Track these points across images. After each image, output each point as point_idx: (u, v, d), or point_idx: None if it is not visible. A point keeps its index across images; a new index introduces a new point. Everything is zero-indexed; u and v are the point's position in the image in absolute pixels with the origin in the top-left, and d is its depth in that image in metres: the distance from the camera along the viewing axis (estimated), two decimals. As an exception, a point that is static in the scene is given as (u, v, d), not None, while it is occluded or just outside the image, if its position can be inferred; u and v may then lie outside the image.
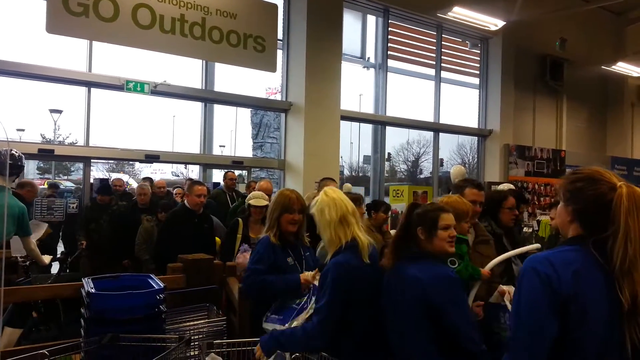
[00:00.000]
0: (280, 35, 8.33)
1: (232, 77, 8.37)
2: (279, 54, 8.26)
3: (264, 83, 9.43)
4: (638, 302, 1.50)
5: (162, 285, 2.49)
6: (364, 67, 9.98)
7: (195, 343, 2.51)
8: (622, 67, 12.08)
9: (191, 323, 2.86)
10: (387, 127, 9.95)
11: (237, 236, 4.14)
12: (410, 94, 10.79)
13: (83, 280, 2.55)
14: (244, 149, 10.08)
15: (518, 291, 1.64)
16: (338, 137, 8.72)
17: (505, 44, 11.00)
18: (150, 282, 2.60)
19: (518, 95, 11.40)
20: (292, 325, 2.47)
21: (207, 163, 8.10)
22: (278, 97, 8.92)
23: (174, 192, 7.12)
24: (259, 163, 9.30)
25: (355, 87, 9.87)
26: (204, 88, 7.94)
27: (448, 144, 11.43)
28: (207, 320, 2.90)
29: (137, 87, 6.90)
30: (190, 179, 7.41)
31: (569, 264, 1.57)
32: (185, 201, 4.77)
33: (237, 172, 7.80)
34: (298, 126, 8.40)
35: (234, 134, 11.94)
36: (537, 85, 11.90)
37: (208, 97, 7.97)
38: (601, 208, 1.57)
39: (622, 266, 1.51)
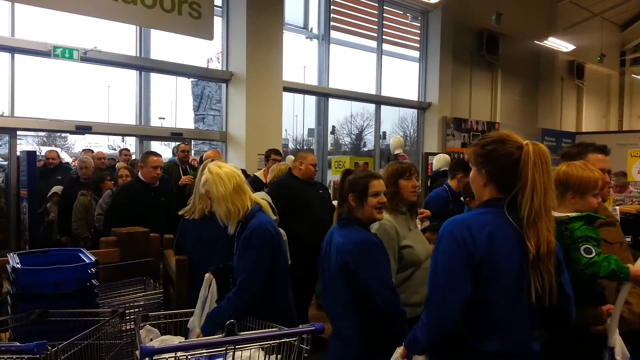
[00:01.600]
0: (218, 1, 8.07)
1: (171, 46, 8.06)
2: (218, 21, 8.01)
3: (206, 54, 9.15)
4: (541, 250, 1.62)
5: (93, 259, 2.42)
6: (307, 37, 9.89)
7: (131, 317, 2.48)
8: (553, 43, 12.62)
9: (127, 297, 2.82)
10: (330, 99, 9.97)
11: None
12: (353, 66, 10.84)
13: (8, 256, 2.43)
14: (186, 121, 9.80)
15: (435, 253, 1.75)
16: (281, 108, 8.65)
17: (444, 18, 11.21)
18: (81, 256, 2.52)
19: (456, 68, 11.70)
20: None
21: (144, 135, 7.81)
22: (219, 67, 8.70)
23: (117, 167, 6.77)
24: (199, 135, 9.10)
25: (299, 59, 9.79)
26: (138, 55, 7.60)
27: (390, 116, 11.63)
28: (144, 294, 2.86)
29: (66, 53, 6.49)
30: (147, 152, 7.19)
31: (483, 226, 1.68)
32: (140, 174, 4.39)
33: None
34: (240, 97, 8.25)
35: (175, 106, 11.60)
36: (474, 59, 12.27)
37: (143, 65, 7.63)
38: (511, 166, 1.68)
39: (528, 217, 1.63)
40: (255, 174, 5.50)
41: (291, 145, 11.40)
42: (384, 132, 11.39)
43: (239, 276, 2.40)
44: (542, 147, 1.70)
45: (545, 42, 12.45)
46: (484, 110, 12.60)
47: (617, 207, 4.42)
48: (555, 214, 1.88)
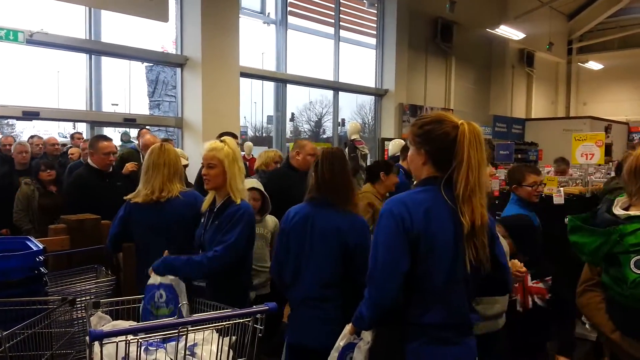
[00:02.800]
0: (172, -17, 7.88)
1: (123, 29, 7.81)
2: (172, 3, 7.82)
3: (160, 37, 8.91)
4: (476, 224, 1.72)
5: (41, 246, 2.36)
6: (265, 23, 9.80)
7: (83, 304, 2.44)
8: (504, 31, 12.96)
9: (79, 285, 2.77)
10: (288, 86, 9.94)
11: None
12: (311, 52, 10.83)
13: (-51, 246, 2.35)
14: (141, 107, 9.53)
15: (376, 232, 1.81)
16: (238, 94, 8.56)
17: (400, 5, 11.33)
18: (29, 244, 2.46)
19: (412, 56, 11.88)
20: None
21: (96, 121, 7.58)
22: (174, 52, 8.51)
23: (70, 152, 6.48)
24: (153, 121, 8.89)
25: (256, 44, 9.70)
26: (88, 38, 7.34)
27: (349, 104, 11.73)
28: (95, 281, 2.82)
29: (10, 35, 6.20)
30: (96, 138, 6.90)
31: (421, 204, 1.76)
32: (90, 160, 4.16)
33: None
34: (195, 82, 8.11)
35: (129, 92, 11.25)
36: (429, 47, 12.49)
37: (93, 49, 7.38)
38: (448, 145, 1.76)
39: (464, 193, 1.72)
40: None
41: (250, 133, 11.32)
42: (343, 119, 11.48)
43: (215, 246, 2.45)
44: (475, 126, 1.78)
45: (496, 30, 12.77)
46: (439, 97, 12.88)
47: (562, 189, 4.64)
48: (633, 212, 1.76)
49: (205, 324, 1.83)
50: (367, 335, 1.98)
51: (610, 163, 10.23)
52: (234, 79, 8.45)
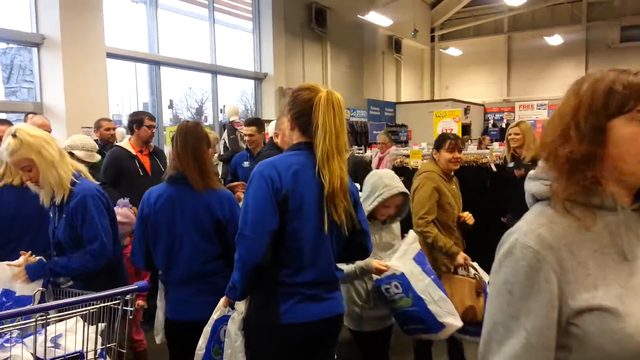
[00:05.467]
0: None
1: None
2: (23, -23, 7.05)
3: (14, 16, 7.96)
4: (334, 186, 1.85)
5: None
6: (132, 1, 9.22)
7: None
8: (374, 17, 13.56)
9: None
10: (165, 71, 9.50)
11: None
12: (187, 34, 10.44)
13: None
14: (-4, 94, 8.49)
15: (246, 193, 1.88)
16: (105, 77, 8.00)
17: (274, -11, 11.36)
18: None
19: (289, 40, 12.00)
20: None
21: None
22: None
23: None
24: (8, 107, 7.99)
25: (125, 23, 9.10)
26: None
27: (230, 89, 11.54)
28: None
29: None
30: None
31: (290, 166, 1.86)
32: None
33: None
34: (55, 64, 7.42)
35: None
36: (305, 32, 12.71)
37: None
38: (309, 109, 1.87)
39: (322, 156, 1.84)
40: (119, 144, 4.64)
41: (125, 121, 10.62)
42: (225, 105, 11.28)
43: (86, 243, 2.31)
44: (336, 95, 1.90)
45: (366, 16, 13.30)
46: (317, 81, 13.11)
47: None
48: None
49: (68, 311, 1.75)
50: (240, 306, 2.03)
51: (470, 140, 11.30)
52: (100, 61, 7.87)
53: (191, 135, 2.36)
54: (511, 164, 4.51)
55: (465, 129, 15.05)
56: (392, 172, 2.85)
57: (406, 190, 2.69)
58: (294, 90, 1.97)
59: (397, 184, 2.65)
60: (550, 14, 17.54)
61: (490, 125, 17.44)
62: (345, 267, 2.32)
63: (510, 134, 4.53)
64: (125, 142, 4.41)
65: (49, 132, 5.31)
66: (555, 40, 16.77)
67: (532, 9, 17.03)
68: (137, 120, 4.27)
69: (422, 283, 2.55)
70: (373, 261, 2.48)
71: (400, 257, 2.59)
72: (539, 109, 17.79)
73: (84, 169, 2.47)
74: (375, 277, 2.57)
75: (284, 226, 1.84)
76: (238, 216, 2.31)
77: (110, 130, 5.24)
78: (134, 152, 4.25)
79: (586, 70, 17.34)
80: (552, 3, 16.85)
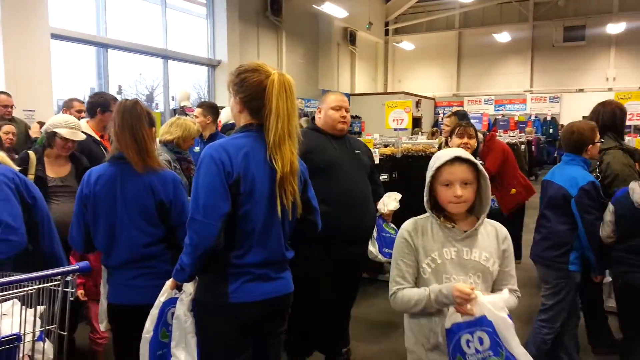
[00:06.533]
0: None
1: None
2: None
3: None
4: (285, 171, 1.85)
5: None
6: (78, -20, 8.83)
7: None
8: (329, 8, 13.58)
9: None
10: (112, 53, 9.16)
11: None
12: (137, 17, 10.10)
13: None
14: None
15: (197, 177, 1.84)
16: (49, 59, 7.63)
17: (229, -25, 11.17)
18: None
19: (243, 28, 11.85)
20: None
21: None
22: None
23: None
24: (-60, 87, 7.51)
25: (72, 3, 8.69)
26: None
27: (183, 76, 11.26)
28: None
29: None
30: None
31: (240, 148, 1.83)
32: None
33: None
34: (-7, 44, 7.02)
35: None
36: (260, 20, 12.59)
37: None
38: (261, 93, 1.84)
39: (274, 140, 1.83)
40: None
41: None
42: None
43: None
44: (287, 77, 1.88)
45: (322, 7, 13.31)
46: (271, 70, 13.09)
47: (377, 150, 5.11)
48: None
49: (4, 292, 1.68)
50: (189, 287, 2.00)
51: (421, 132, 11.59)
52: (43, 41, 7.50)
53: (129, 114, 2.26)
54: None
55: (417, 121, 15.40)
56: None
57: (468, 156, 1.80)
58: (240, 72, 1.91)
59: (453, 152, 1.80)
60: (499, 12, 18.15)
61: (440, 119, 17.93)
62: (414, 293, 1.79)
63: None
64: (85, 125, 3.94)
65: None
66: (503, 37, 17.38)
67: (482, 7, 17.59)
68: (102, 104, 3.88)
69: (514, 336, 1.67)
70: (456, 284, 1.71)
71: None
72: (486, 104, 18.44)
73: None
74: (450, 317, 1.73)
75: (236, 209, 1.82)
76: (183, 198, 2.29)
77: (82, 112, 4.87)
78: (97, 137, 3.89)
79: (532, 68, 18.11)
80: (501, 1, 17.45)
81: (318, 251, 2.75)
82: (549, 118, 17.08)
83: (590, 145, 2.91)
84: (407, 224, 1.90)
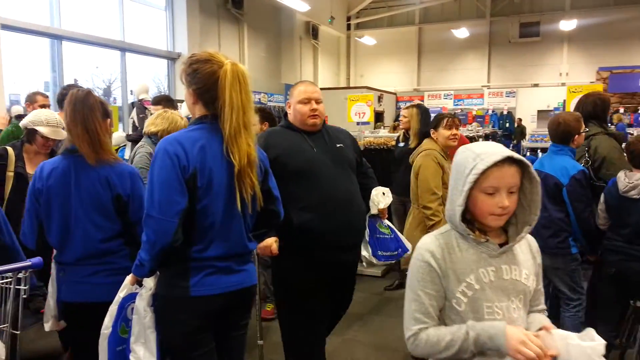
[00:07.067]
0: None
1: None
2: None
3: None
4: (243, 163, 1.82)
5: None
6: (29, -31, 8.46)
7: None
8: (291, 2, 13.48)
9: None
10: (67, 46, 8.82)
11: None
12: (92, 7, 9.76)
13: None
14: None
15: (151, 172, 1.79)
16: (-2, 52, 7.30)
17: (188, -34, 10.95)
18: None
19: (204, 20, 11.65)
20: None
21: None
22: None
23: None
24: None
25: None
26: None
27: (141, 69, 10.97)
28: None
29: None
30: None
31: (196, 141, 1.79)
32: None
33: None
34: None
35: None
36: (221, 12, 12.41)
37: None
38: (214, 84, 1.80)
39: (230, 133, 1.79)
40: None
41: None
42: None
43: None
44: (240, 67, 1.83)
45: (284, 0, 13.24)
46: (233, 63, 12.93)
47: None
48: None
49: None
50: (149, 282, 1.96)
51: (383, 127, 11.70)
52: (-8, 33, 7.18)
53: (81, 105, 2.18)
54: (402, 144, 4.90)
55: (379, 116, 15.55)
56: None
57: (518, 156, 1.42)
58: (192, 62, 1.85)
59: (498, 149, 1.42)
60: (458, 8, 18.49)
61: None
62: (444, 332, 1.43)
63: (401, 116, 4.89)
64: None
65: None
66: (461, 33, 17.74)
67: (441, 2, 17.89)
68: None
69: None
70: (509, 330, 1.36)
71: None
72: (446, 98, 18.81)
73: None
74: None
75: (194, 204, 1.78)
76: (141, 192, 2.22)
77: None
78: None
79: (489, 63, 18.57)
80: (459, -3, 17.79)
81: (302, 260, 2.53)
82: (505, 112, 17.58)
83: (577, 135, 3.07)
84: (427, 243, 1.49)
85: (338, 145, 2.66)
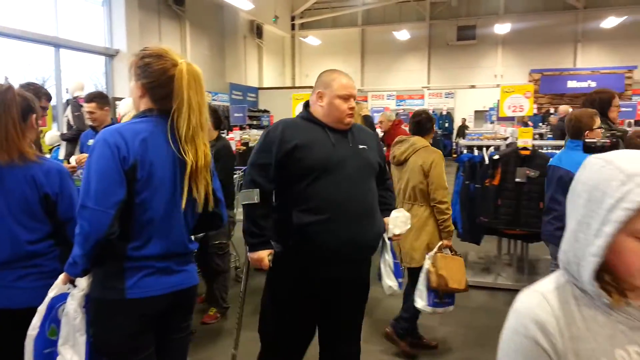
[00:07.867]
0: None
1: None
2: None
3: None
4: (199, 164, 1.81)
5: None
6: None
7: None
8: (233, 0, 13.34)
9: None
10: (-7, 40, 8.37)
11: None
12: (24, 1, 9.28)
13: None
14: None
15: (88, 162, 1.75)
16: None
17: (126, -40, 10.64)
18: None
19: (144, 17, 11.35)
20: None
21: None
22: None
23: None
24: None
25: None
26: None
27: (77, 66, 10.54)
28: None
29: None
30: None
31: (138, 133, 1.75)
32: None
33: None
34: None
35: None
36: (162, 9, 12.14)
37: None
38: (166, 81, 1.77)
39: (187, 134, 1.77)
40: None
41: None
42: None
43: None
44: (194, 67, 1.82)
45: (225, -2, 13.10)
46: (175, 62, 12.67)
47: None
48: None
49: None
50: (82, 282, 1.89)
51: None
52: None
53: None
54: None
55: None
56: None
57: None
58: (144, 55, 1.81)
59: None
60: (399, 11, 18.99)
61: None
62: None
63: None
64: None
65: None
66: (402, 35, 18.22)
67: (383, 5, 18.31)
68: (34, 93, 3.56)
69: None
70: None
71: None
72: (389, 99, 19.27)
73: None
74: None
75: (132, 197, 1.73)
76: (70, 190, 2.15)
77: None
78: None
79: (429, 65, 19.18)
80: (400, 0, 18.24)
81: (294, 274, 2.30)
82: (444, 113, 18.22)
83: (589, 131, 3.16)
84: (533, 306, 0.96)
85: (361, 147, 2.34)
